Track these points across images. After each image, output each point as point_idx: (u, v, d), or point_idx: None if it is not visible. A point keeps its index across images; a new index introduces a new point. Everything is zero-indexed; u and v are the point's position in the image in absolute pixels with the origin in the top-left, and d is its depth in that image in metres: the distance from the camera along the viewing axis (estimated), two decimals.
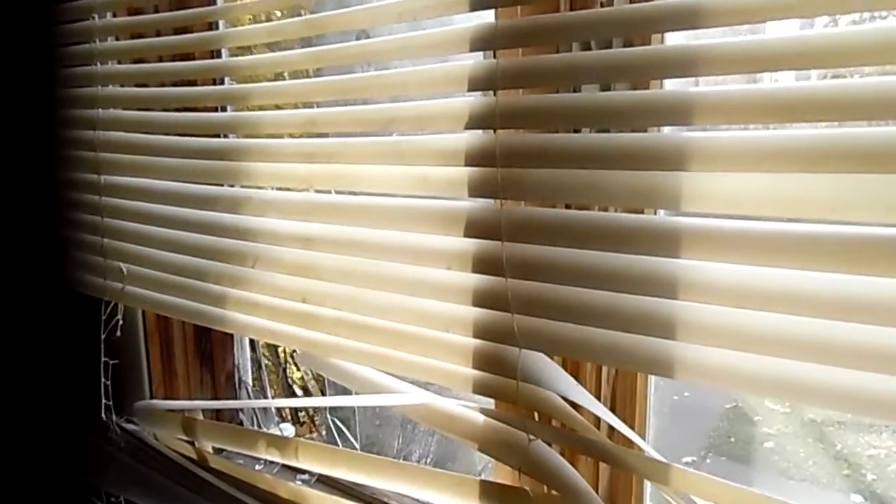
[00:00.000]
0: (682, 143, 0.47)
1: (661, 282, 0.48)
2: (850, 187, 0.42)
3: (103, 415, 0.90)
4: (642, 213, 0.55)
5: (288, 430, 1.06)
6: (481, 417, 0.62)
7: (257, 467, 0.92)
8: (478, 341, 0.58)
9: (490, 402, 0.65)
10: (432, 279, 0.59)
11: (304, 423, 1.22)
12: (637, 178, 0.48)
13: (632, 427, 0.61)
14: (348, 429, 0.95)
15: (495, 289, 0.56)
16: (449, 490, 0.64)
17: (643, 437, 0.63)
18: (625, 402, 0.62)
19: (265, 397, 1.07)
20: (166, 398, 0.97)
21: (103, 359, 0.89)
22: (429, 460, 1.32)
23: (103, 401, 0.90)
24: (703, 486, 0.51)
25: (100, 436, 0.91)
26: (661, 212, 0.56)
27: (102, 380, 0.89)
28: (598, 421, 0.60)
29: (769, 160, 0.44)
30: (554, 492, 0.57)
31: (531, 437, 0.58)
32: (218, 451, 0.92)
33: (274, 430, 1.03)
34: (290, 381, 1.48)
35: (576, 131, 0.56)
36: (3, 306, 0.93)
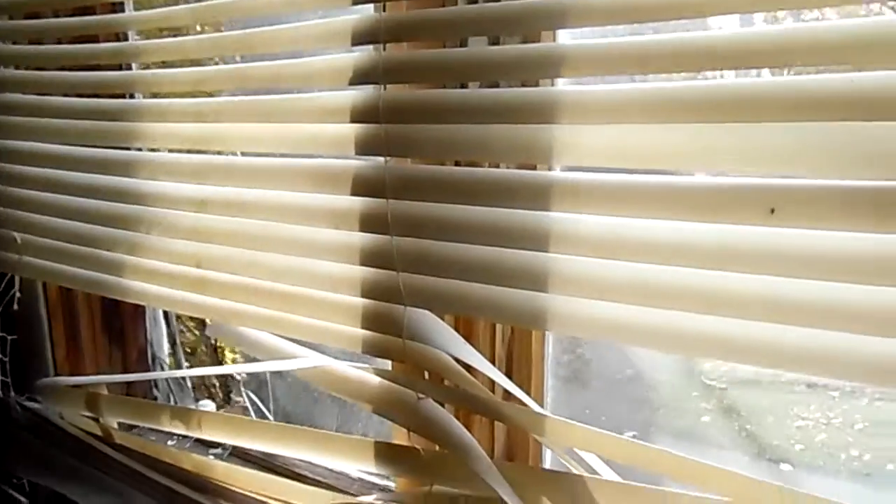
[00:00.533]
0: (555, 96, 0.47)
1: (537, 235, 0.48)
2: (713, 137, 0.43)
3: (0, 392, 0.87)
4: (535, 168, 0.55)
5: (208, 406, 1.04)
6: (376, 379, 0.62)
7: (169, 443, 0.90)
8: (365, 301, 0.57)
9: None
10: (322, 239, 0.59)
11: (224, 399, 1.20)
12: (515, 133, 0.48)
13: (528, 389, 0.62)
14: (263, 402, 0.94)
15: (381, 247, 0.55)
16: (346, 453, 0.64)
17: (541, 399, 0.64)
18: (521, 364, 0.63)
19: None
20: (72, 375, 0.94)
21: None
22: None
23: (0, 378, 0.86)
24: (584, 437, 0.52)
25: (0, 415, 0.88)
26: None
27: None
28: (493, 382, 0.60)
29: (637, 112, 0.44)
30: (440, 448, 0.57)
31: (420, 395, 0.58)
32: (129, 429, 0.90)
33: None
34: (219, 357, 1.45)
35: (464, 87, 0.55)
36: None
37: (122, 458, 0.82)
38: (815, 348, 0.41)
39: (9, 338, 0.87)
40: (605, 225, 0.46)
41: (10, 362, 0.88)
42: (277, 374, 0.93)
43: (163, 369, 1.02)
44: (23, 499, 0.89)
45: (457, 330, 0.60)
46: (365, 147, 0.55)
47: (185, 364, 1.05)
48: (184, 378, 1.03)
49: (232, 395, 1.18)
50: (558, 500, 0.54)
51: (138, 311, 0.97)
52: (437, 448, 0.60)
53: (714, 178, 0.45)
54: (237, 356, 1.35)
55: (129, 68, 0.82)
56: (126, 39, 0.79)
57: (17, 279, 0.86)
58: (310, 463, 0.81)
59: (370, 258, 0.56)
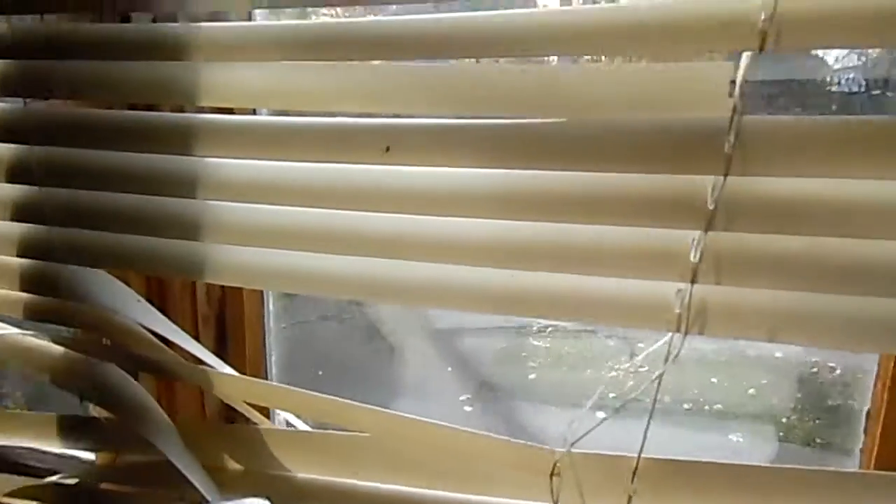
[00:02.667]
0: (190, 32, 0.45)
1: (183, 181, 0.46)
2: (343, 78, 0.42)
3: None
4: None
5: None
6: (55, 348, 0.57)
7: None
8: (23, 260, 0.52)
9: None
10: None
11: None
12: (150, 70, 0.45)
13: (243, 350, 0.60)
14: None
15: (30, 199, 0.50)
16: (28, 430, 0.59)
17: (264, 363, 0.62)
18: (234, 324, 0.61)
19: None
20: None
21: None
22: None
23: None
24: (250, 390, 0.51)
25: None
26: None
27: None
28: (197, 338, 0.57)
29: (270, 50, 0.43)
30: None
31: (93, 360, 0.54)
32: None
33: None
34: None
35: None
36: None
37: None
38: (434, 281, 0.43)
39: None
40: (244, 167, 0.45)
41: None
42: None
43: None
44: None
45: (148, 290, 0.57)
46: (5, 88, 0.49)
47: None
48: None
49: None
50: (237, 454, 0.53)
51: None
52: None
53: (337, 119, 0.44)
54: None
55: None
56: None
57: None
58: (31, 449, 0.74)
59: (20, 212, 0.51)
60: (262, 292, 0.62)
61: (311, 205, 0.44)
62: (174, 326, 0.54)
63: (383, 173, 0.42)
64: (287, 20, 0.45)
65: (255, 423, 0.53)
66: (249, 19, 0.52)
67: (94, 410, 0.56)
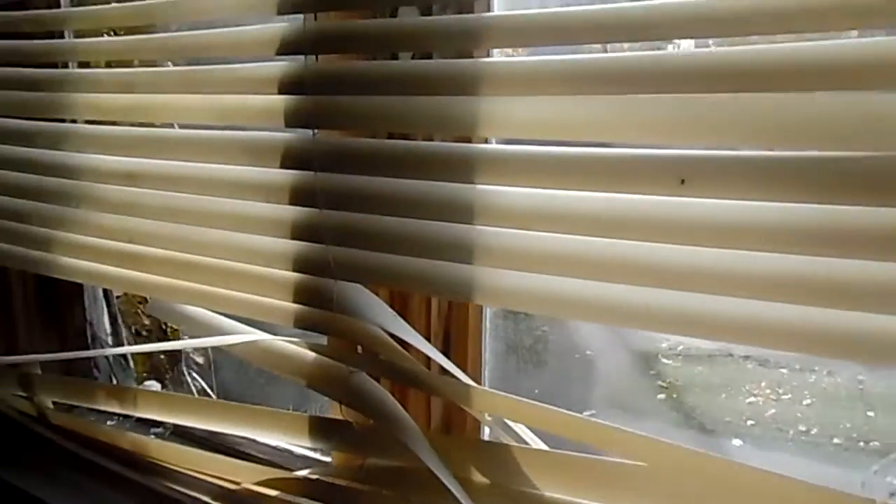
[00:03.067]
0: (481, 67, 0.48)
1: (464, 208, 0.49)
2: (630, 109, 0.43)
3: None
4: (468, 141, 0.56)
5: (154, 387, 1.03)
6: (311, 354, 0.62)
7: (109, 423, 0.89)
8: (296, 275, 0.57)
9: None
10: (252, 213, 0.58)
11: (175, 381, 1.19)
12: (443, 105, 0.49)
13: (465, 364, 0.63)
14: (204, 379, 0.93)
15: (309, 220, 0.55)
16: (282, 428, 0.64)
17: (479, 374, 0.65)
18: (457, 339, 0.64)
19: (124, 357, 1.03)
20: (6, 355, 0.92)
21: None
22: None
23: None
24: (507, 406, 0.53)
25: None
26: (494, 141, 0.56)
27: None
28: (424, 355, 0.61)
29: (559, 84, 0.45)
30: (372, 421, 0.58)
31: (351, 369, 0.58)
32: (70, 409, 0.88)
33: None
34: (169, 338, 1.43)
35: (395, 57, 0.55)
36: None
37: (58, 438, 0.81)
38: (730, 315, 0.43)
39: None
40: (527, 196, 0.47)
41: None
42: (222, 354, 0.92)
43: (103, 349, 1.00)
44: None
45: (392, 304, 0.61)
46: (293, 119, 0.55)
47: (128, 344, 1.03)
48: (125, 359, 1.01)
49: (185, 377, 1.16)
50: (487, 469, 0.55)
51: (75, 289, 0.95)
52: (371, 422, 0.60)
53: (628, 150, 0.45)
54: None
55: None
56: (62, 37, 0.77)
57: None
58: (253, 440, 0.81)
59: (299, 232, 0.56)
60: (481, 310, 0.64)
61: (598, 234, 0.45)
62: (426, 342, 0.58)
63: (677, 205, 0.43)
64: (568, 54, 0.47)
65: (508, 441, 0.55)
66: (489, 9, 0.54)
67: (345, 413, 0.61)
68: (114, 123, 0.66)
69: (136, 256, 0.66)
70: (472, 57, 0.52)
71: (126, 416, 0.89)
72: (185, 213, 0.62)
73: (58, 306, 0.94)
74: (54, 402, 0.85)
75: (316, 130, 0.54)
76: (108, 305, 1.01)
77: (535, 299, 0.48)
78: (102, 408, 0.77)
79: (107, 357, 1.00)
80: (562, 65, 0.45)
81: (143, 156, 0.64)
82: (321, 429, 0.62)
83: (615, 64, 0.44)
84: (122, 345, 1.04)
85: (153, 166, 0.63)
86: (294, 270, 0.57)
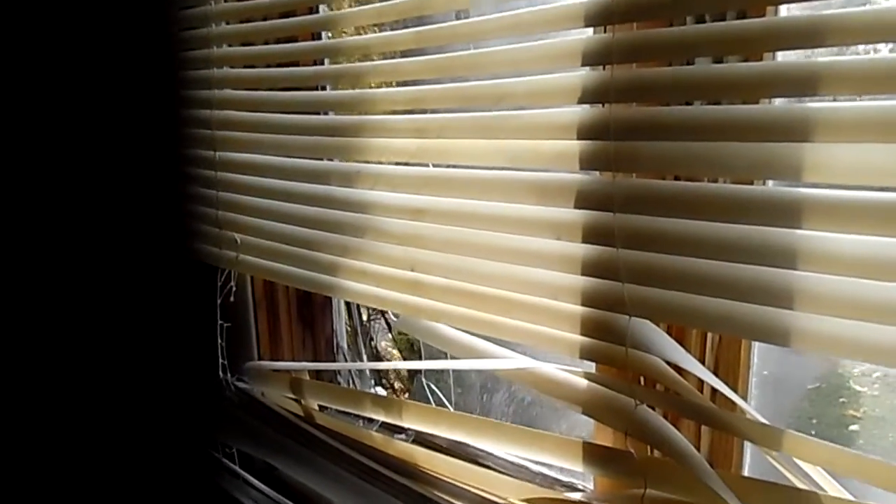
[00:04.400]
0: (799, 113, 0.48)
1: (778, 251, 0.49)
2: None
3: (220, 373, 0.99)
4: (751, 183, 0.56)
5: (380, 393, 1.12)
6: (584, 382, 0.65)
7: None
8: (585, 309, 0.60)
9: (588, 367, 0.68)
10: (541, 249, 0.62)
11: (394, 388, 1.28)
12: (751, 150, 0.49)
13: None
14: (441, 393, 1.00)
15: (605, 258, 0.58)
16: (552, 451, 0.68)
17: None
18: (728, 370, 0.63)
19: (360, 361, 1.13)
20: (272, 359, 1.05)
21: (219, 322, 0.97)
22: None
23: (220, 360, 0.98)
24: (810, 449, 0.53)
25: (217, 393, 1.00)
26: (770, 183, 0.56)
27: (219, 341, 0.97)
28: (700, 387, 0.61)
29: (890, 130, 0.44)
30: (658, 453, 0.59)
31: (637, 401, 0.60)
32: (320, 409, 0.99)
33: None
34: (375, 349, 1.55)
35: (688, 104, 0.57)
36: (131, 277, 1.02)
37: (322, 435, 0.91)
38: None
39: (225, 325, 0.98)
40: (857, 243, 0.46)
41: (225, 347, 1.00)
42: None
43: (344, 356, 1.11)
44: (233, 466, 1.01)
45: (669, 335, 0.62)
46: (591, 162, 0.58)
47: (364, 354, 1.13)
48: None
49: (397, 387, 1.26)
50: None
51: (327, 304, 1.06)
52: (649, 451, 0.62)
53: None
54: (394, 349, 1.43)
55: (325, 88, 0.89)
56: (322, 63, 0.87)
57: (233, 274, 0.97)
58: (489, 453, 0.86)
59: (593, 268, 0.59)
60: (750, 345, 0.63)
61: None
62: (716, 378, 0.58)
63: None
64: None
65: (808, 488, 0.54)
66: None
67: (627, 442, 0.63)
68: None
69: (418, 283, 0.73)
70: (756, 103, 0.53)
71: (370, 420, 0.98)
72: (471, 246, 0.67)
73: (312, 320, 1.06)
74: (319, 406, 0.95)
75: (615, 173, 0.57)
76: (350, 318, 1.12)
77: (858, 347, 0.47)
78: (368, 415, 0.86)
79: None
80: (881, 110, 0.44)
81: (430, 193, 0.70)
82: (598, 456, 0.64)
83: None
84: (360, 354, 1.15)
85: (441, 203, 0.69)
86: (584, 304, 0.60)
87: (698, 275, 0.53)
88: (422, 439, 0.92)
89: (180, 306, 1.02)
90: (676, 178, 0.58)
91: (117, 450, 0.75)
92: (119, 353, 0.97)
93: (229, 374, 1.00)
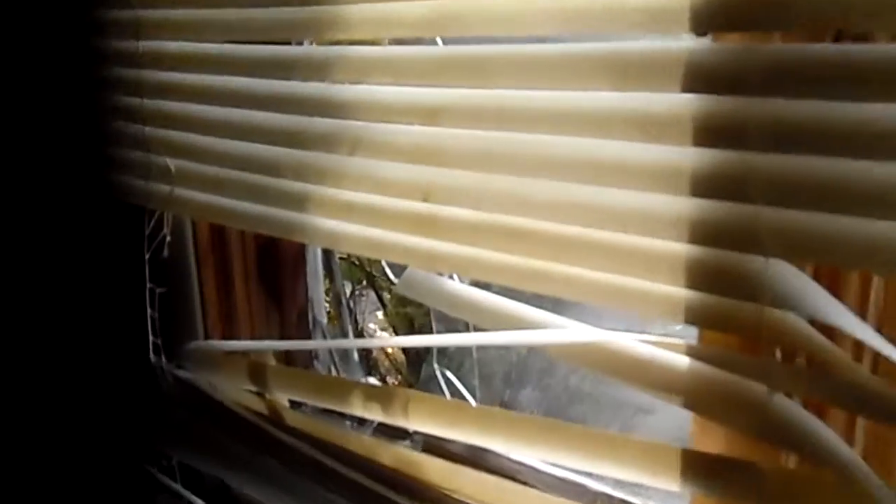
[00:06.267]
0: None
1: None
2: None
3: (151, 357, 0.90)
4: None
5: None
6: (685, 360, 0.55)
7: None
8: (698, 248, 0.51)
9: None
10: (627, 159, 0.52)
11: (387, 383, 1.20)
12: None
13: None
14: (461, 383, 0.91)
15: (729, 168, 0.48)
16: (634, 463, 0.59)
17: None
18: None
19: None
20: (224, 338, 0.96)
21: (148, 285, 0.88)
22: None
23: (150, 339, 0.89)
24: None
25: (148, 384, 0.91)
26: None
27: (149, 312, 0.88)
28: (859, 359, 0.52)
29: None
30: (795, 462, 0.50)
31: (771, 388, 0.50)
32: (292, 406, 0.91)
33: None
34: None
35: None
36: (20, 218, 0.93)
37: (295, 441, 0.83)
38: None
39: (157, 290, 0.88)
40: None
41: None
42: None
43: (323, 335, 1.02)
44: (174, 484, 0.93)
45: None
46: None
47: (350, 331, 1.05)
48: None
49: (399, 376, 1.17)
50: None
51: (299, 260, 0.97)
52: (785, 459, 0.53)
53: None
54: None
55: None
56: None
57: (167, 218, 0.88)
58: (527, 465, 0.78)
59: (709, 184, 0.49)
60: None
61: None
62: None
63: None
64: None
65: None
66: None
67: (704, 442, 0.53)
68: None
69: (434, 219, 0.63)
70: None
71: (361, 421, 0.90)
72: (514, 160, 0.57)
73: (277, 284, 0.97)
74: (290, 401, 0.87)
75: None
76: (332, 282, 1.03)
77: None
78: (360, 413, 0.77)
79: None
80: None
81: (451, 83, 0.60)
82: (704, 467, 0.55)
83: None
84: (345, 330, 1.06)
85: (469, 97, 0.59)
86: (692, 241, 0.50)
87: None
88: (433, 446, 0.84)
89: (92, 263, 0.93)
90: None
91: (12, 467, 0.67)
92: (8, 330, 0.87)
93: (164, 359, 0.92)
